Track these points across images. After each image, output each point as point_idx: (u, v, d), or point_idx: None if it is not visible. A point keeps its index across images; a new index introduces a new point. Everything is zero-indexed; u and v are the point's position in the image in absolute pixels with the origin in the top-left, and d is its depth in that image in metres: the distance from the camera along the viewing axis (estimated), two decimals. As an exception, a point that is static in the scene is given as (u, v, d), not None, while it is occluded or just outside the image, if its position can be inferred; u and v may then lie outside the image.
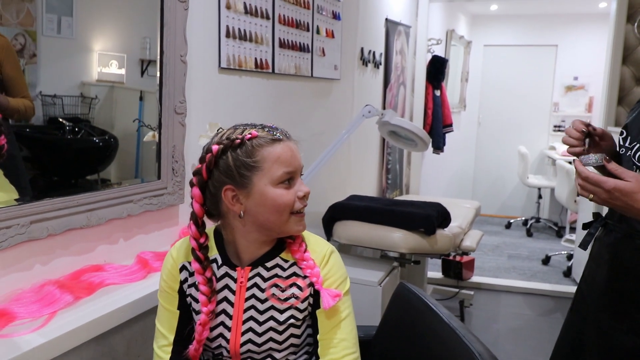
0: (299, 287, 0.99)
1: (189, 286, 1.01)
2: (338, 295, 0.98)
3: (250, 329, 0.98)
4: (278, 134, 0.97)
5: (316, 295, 1.00)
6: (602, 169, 1.04)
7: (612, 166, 0.98)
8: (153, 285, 1.24)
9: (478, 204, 3.25)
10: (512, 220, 5.65)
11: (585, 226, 1.17)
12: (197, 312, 0.99)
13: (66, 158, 1.38)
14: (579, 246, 1.19)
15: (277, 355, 0.99)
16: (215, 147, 0.95)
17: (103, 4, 1.37)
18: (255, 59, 1.84)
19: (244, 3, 1.74)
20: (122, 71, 1.42)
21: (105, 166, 1.44)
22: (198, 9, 1.54)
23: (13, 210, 1.06)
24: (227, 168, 0.95)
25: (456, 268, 3.71)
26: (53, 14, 1.28)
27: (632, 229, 1.08)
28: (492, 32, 6.13)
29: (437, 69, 4.00)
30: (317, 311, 1.00)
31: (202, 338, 0.98)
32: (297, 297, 0.98)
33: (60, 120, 1.34)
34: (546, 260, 4.37)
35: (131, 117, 1.48)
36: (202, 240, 0.98)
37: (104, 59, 1.38)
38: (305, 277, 0.99)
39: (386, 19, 3.13)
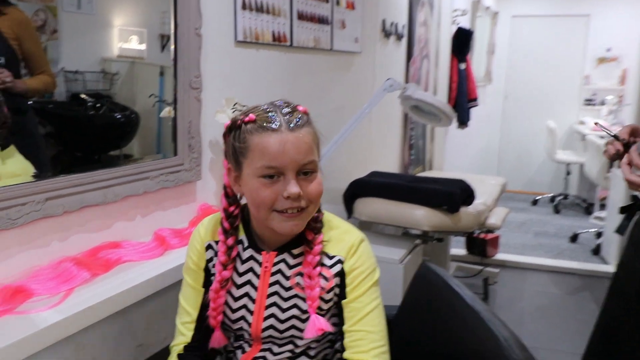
0: (325, 278, 0.95)
1: (214, 265, 0.99)
2: (323, 329, 0.93)
3: (273, 315, 0.95)
4: (276, 122, 0.88)
5: (342, 285, 0.96)
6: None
7: None
8: (171, 262, 1.23)
9: (504, 180, 3.17)
10: (538, 197, 5.51)
11: (623, 210, 1.10)
12: None
13: (88, 134, 1.37)
14: (616, 231, 1.13)
15: (299, 342, 0.97)
16: (226, 124, 0.93)
17: None
18: (273, 31, 1.78)
19: (261, -27, 1.68)
20: (143, 46, 1.40)
21: (127, 142, 1.44)
22: (212, -21, 1.49)
23: (28, 187, 1.05)
24: (228, 148, 0.93)
25: (480, 245, 3.65)
26: None
27: None
28: (520, 2, 5.89)
29: (462, 41, 3.87)
30: (343, 302, 0.96)
31: (216, 305, 0.96)
32: (322, 288, 0.94)
33: (82, 96, 1.34)
34: (574, 238, 4.26)
35: (152, 93, 1.46)
36: (231, 209, 0.96)
37: (124, 35, 1.37)
38: (331, 266, 0.96)
39: (409, -11, 3.01)
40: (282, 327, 0.95)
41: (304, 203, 0.89)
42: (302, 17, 1.94)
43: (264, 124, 0.88)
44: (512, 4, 5.88)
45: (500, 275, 3.46)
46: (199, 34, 1.42)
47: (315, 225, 0.96)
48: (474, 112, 4.19)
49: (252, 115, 0.89)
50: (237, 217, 0.97)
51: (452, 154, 4.44)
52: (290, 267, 0.96)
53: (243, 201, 1.01)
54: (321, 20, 2.08)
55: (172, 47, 1.38)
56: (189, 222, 1.46)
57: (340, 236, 0.97)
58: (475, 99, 4.10)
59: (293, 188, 0.87)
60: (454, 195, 1.95)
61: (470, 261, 3.52)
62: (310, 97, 2.12)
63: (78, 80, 1.32)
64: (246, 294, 0.97)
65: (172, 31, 1.37)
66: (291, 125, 0.88)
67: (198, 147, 1.47)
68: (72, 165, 1.22)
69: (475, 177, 3.21)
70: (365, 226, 2.34)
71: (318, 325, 0.92)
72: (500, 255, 3.72)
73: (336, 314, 0.98)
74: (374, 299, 0.96)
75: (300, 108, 0.93)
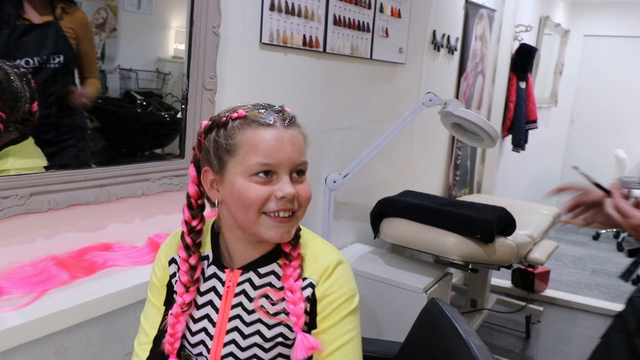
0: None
1: (177, 281, 0.91)
2: (315, 347, 0.82)
3: (234, 341, 0.85)
4: (270, 118, 0.81)
5: (313, 312, 0.85)
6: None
7: None
8: (160, 271, 1.16)
9: (558, 210, 2.90)
10: (601, 231, 5.09)
11: (631, 253, 0.97)
12: None
13: (134, 131, 1.38)
14: (620, 277, 1.00)
15: None
16: (203, 124, 0.84)
17: None
18: (304, 35, 1.69)
19: (294, -26, 1.60)
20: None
21: (170, 141, 1.42)
22: (238, -22, 1.43)
23: (11, 180, 1.01)
24: (207, 148, 0.83)
25: (527, 279, 3.38)
26: None
27: None
28: (594, 21, 5.51)
29: (524, 58, 3.63)
30: (313, 332, 0.85)
31: (174, 331, 0.87)
32: (287, 314, 0.84)
33: (133, 93, 1.35)
34: (637, 280, 3.86)
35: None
36: (194, 223, 0.87)
37: (180, 36, 1.36)
38: (302, 289, 0.84)
39: (466, 1, 2.84)
40: (242, 355, 0.85)
41: (296, 206, 0.82)
42: (338, 22, 1.84)
43: (258, 119, 0.81)
44: (585, 23, 5.51)
45: (547, 313, 3.18)
46: (217, 33, 1.35)
47: (292, 240, 0.86)
48: (535, 135, 3.92)
49: (241, 111, 0.82)
50: (200, 232, 0.88)
51: (505, 178, 4.17)
52: (256, 287, 0.86)
53: (208, 213, 0.92)
54: (361, 27, 1.97)
55: (184, 44, 1.31)
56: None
57: (315, 256, 0.87)
58: (534, 121, 3.83)
59: (288, 188, 0.80)
60: (489, 223, 1.77)
61: (514, 295, 3.26)
62: (345, 107, 2.01)
63: (132, 78, 1.34)
64: (206, 316, 0.88)
65: (187, 28, 1.30)
66: (285, 122, 0.82)
67: (208, 151, 1.39)
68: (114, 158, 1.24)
69: (526, 204, 2.97)
70: (396, 250, 2.19)
71: (307, 344, 0.81)
72: (549, 292, 3.43)
73: None
74: (349, 330, 0.84)
75: (288, 109, 0.85)
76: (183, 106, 1.34)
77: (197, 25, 1.31)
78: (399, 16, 2.21)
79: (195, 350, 0.89)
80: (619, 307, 3.30)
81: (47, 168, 1.09)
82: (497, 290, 3.35)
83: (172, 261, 0.91)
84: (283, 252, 0.86)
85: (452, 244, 1.80)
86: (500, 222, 1.84)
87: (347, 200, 2.14)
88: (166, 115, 1.43)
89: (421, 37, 2.49)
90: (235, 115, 0.81)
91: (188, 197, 0.88)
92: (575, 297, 3.44)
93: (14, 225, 1.05)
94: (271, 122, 0.80)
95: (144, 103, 1.39)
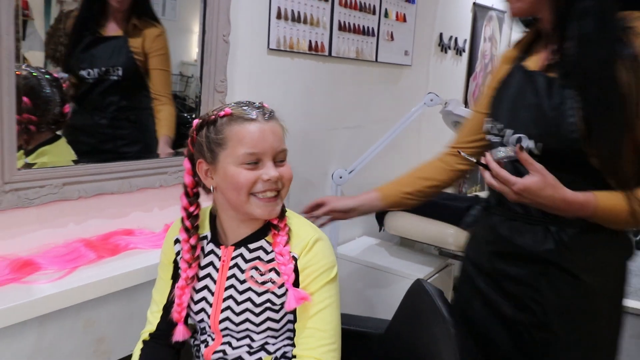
0: (277, 273, 0.98)
1: (181, 259, 1.05)
2: (305, 298, 0.94)
3: (229, 308, 0.99)
4: (253, 114, 0.94)
5: (296, 282, 0.97)
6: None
7: (524, 156, 0.94)
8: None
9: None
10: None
11: (467, 208, 1.11)
12: None
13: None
14: (462, 226, 1.30)
15: (255, 336, 0.99)
16: (195, 122, 0.98)
17: None
18: (310, 41, 1.83)
19: (299, -16, 1.74)
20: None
21: None
22: (247, -11, 1.57)
23: (47, 171, 1.17)
24: (200, 143, 0.96)
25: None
26: None
27: (512, 212, 1.09)
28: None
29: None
30: None
31: (181, 301, 1.00)
32: (273, 282, 0.97)
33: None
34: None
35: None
36: (191, 209, 1.00)
37: (199, 34, 1.45)
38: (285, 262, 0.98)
39: (474, 4, 2.93)
40: (237, 319, 0.98)
41: (280, 185, 0.96)
42: (343, 28, 1.96)
43: (242, 116, 0.94)
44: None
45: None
46: (227, 41, 1.50)
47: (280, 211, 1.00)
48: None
49: (227, 110, 0.95)
50: (197, 217, 1.02)
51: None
52: (247, 261, 0.99)
53: (205, 202, 1.06)
54: (365, 32, 2.09)
55: (197, 50, 1.46)
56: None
57: (297, 232, 1.00)
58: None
59: (272, 171, 0.94)
60: (485, 216, 1.86)
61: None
62: (351, 107, 2.13)
63: None
64: (206, 287, 1.02)
65: (199, 36, 1.45)
66: (266, 116, 0.95)
67: (219, 147, 1.54)
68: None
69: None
70: (406, 243, 2.30)
71: (298, 295, 0.94)
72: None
73: (292, 312, 0.99)
74: (327, 297, 0.96)
75: (266, 105, 0.99)
76: (197, 107, 1.48)
77: (208, 34, 1.45)
78: (404, 20, 2.32)
79: (198, 317, 1.02)
80: (637, 304, 3.28)
81: (75, 162, 1.25)
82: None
83: (177, 241, 1.05)
84: (272, 224, 0.99)
85: (450, 235, 1.90)
86: (497, 214, 1.93)
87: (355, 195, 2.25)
88: (188, 116, 1.54)
89: (427, 40, 2.60)
90: (222, 113, 0.94)
91: (185, 186, 1.01)
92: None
93: (49, 211, 1.21)
94: (254, 117, 0.93)
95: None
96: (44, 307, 1.06)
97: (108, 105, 1.31)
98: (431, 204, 2.01)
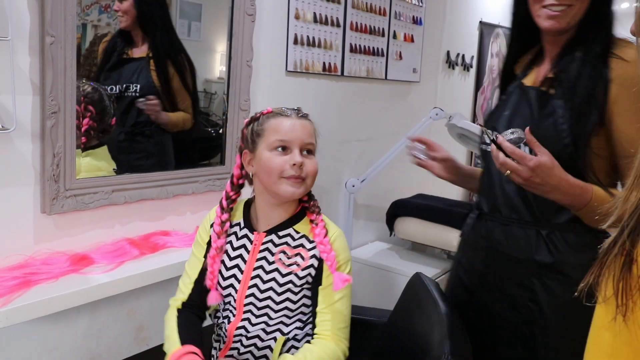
0: (302, 257, 1.16)
1: (212, 232, 1.21)
2: (347, 280, 1.12)
3: (255, 285, 1.16)
4: (288, 112, 1.14)
5: (318, 272, 1.15)
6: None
7: (531, 138, 1.03)
8: (206, 252, 1.50)
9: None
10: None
11: (464, 216, 1.32)
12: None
13: (185, 145, 1.65)
14: (460, 236, 1.38)
15: (272, 314, 1.16)
16: (245, 121, 1.20)
17: (226, 12, 1.63)
18: (324, 62, 2.02)
19: (314, 13, 1.94)
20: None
21: (216, 153, 1.70)
22: (267, 19, 1.78)
23: (99, 180, 1.38)
24: (246, 136, 1.17)
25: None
26: (185, 19, 1.55)
27: (506, 219, 1.21)
28: (624, 31, 5.56)
29: (544, 71, 3.82)
30: (320, 287, 1.16)
31: (212, 269, 1.17)
32: (298, 265, 1.15)
33: None
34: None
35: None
36: (231, 193, 1.20)
37: (224, 59, 1.64)
38: (310, 249, 1.16)
39: (480, 22, 3.11)
40: (261, 296, 1.15)
41: (304, 174, 1.13)
42: (354, 50, 2.15)
43: (280, 112, 1.15)
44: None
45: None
46: (250, 65, 1.70)
47: (315, 209, 1.19)
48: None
49: (269, 109, 1.17)
50: (234, 201, 1.22)
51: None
52: (276, 245, 1.17)
53: (243, 196, 1.23)
54: (375, 52, 2.28)
55: (226, 76, 1.67)
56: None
57: (327, 226, 1.19)
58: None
59: (297, 157, 1.12)
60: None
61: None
62: (362, 122, 2.32)
63: None
64: (236, 266, 1.19)
65: (226, 63, 1.66)
66: (299, 114, 1.16)
67: (243, 159, 1.74)
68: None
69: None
70: (418, 248, 2.46)
71: (342, 278, 1.12)
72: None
73: (308, 296, 1.17)
74: (344, 288, 1.14)
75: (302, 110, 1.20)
76: (223, 124, 1.69)
77: (234, 60, 1.66)
78: (412, 41, 2.51)
79: (226, 292, 1.19)
80: None
81: (116, 172, 1.44)
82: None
83: (212, 225, 1.22)
84: (310, 220, 1.18)
85: (455, 238, 2.06)
86: (498, 219, 2.08)
87: (367, 203, 2.43)
88: (212, 131, 1.72)
89: (435, 57, 2.78)
90: (265, 111, 1.16)
91: (232, 176, 1.22)
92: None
93: (100, 214, 1.41)
94: (289, 114, 1.14)
95: (194, 121, 1.64)
96: (97, 293, 1.26)
97: (127, 120, 1.46)
98: (436, 209, 2.18)
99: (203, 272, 1.21)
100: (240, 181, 1.22)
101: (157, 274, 1.38)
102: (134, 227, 1.51)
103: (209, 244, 1.22)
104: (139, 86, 1.46)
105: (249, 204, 1.24)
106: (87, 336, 1.37)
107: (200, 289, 1.20)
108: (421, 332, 1.25)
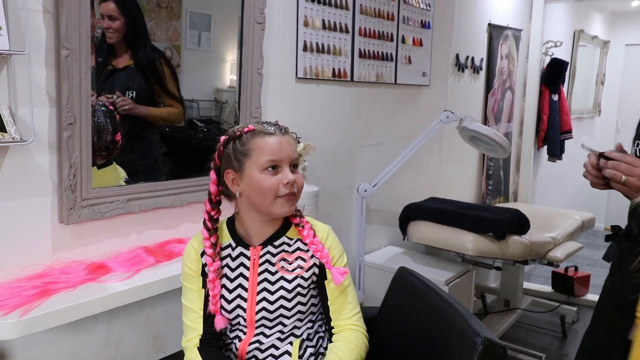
0: (303, 259, 1.17)
1: (205, 256, 1.19)
2: (345, 272, 1.15)
3: (264, 299, 1.16)
4: (271, 129, 1.14)
5: (321, 269, 1.17)
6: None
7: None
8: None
9: (591, 215, 3.05)
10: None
11: (608, 238, 1.17)
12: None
13: (196, 155, 1.65)
14: (603, 258, 1.20)
15: (286, 321, 1.16)
16: (222, 138, 1.17)
17: (235, 21, 1.65)
18: (333, 68, 2.04)
19: (323, 20, 1.95)
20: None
21: None
22: (277, 27, 1.79)
23: (115, 190, 1.40)
24: (228, 155, 1.15)
25: (566, 282, 3.49)
26: (195, 30, 1.57)
27: None
28: (635, 29, 5.52)
29: (555, 72, 3.80)
30: (326, 282, 1.18)
31: (214, 293, 1.16)
32: (302, 267, 1.16)
33: (195, 121, 1.64)
34: None
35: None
36: (213, 213, 1.19)
37: (234, 68, 1.66)
38: (307, 250, 1.18)
39: (489, 24, 3.10)
40: (272, 307, 1.15)
41: (296, 189, 1.15)
42: (363, 55, 2.17)
43: (263, 130, 1.14)
44: (627, 32, 5.53)
45: (587, 316, 3.28)
46: (260, 73, 1.72)
47: (296, 212, 1.20)
48: (578, 145, 4.04)
49: (251, 126, 1.15)
50: (217, 220, 1.20)
51: (545, 187, 4.30)
52: (274, 255, 1.18)
53: (227, 212, 1.22)
54: (384, 57, 2.28)
55: (237, 84, 1.68)
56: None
57: (314, 226, 1.21)
58: (569, 131, 3.96)
59: (290, 176, 1.13)
60: (500, 222, 2.01)
61: (552, 298, 3.39)
62: (373, 126, 2.33)
63: (194, 107, 1.61)
64: (239, 285, 1.18)
65: (237, 71, 1.68)
66: (282, 131, 1.16)
67: (255, 166, 1.75)
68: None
69: (562, 211, 3.12)
70: (432, 252, 2.45)
71: (340, 271, 1.16)
72: (591, 296, 3.52)
73: (315, 295, 1.18)
74: (347, 276, 1.18)
75: (281, 123, 1.20)
76: (235, 131, 1.70)
77: (245, 68, 1.68)
78: (421, 44, 2.51)
79: (233, 314, 1.17)
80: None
81: (127, 182, 1.42)
82: (537, 294, 3.48)
83: (203, 254, 1.20)
84: (295, 224, 1.19)
85: (468, 241, 2.05)
86: (512, 222, 2.07)
87: (380, 208, 2.43)
88: None
89: (444, 61, 2.78)
90: (246, 129, 1.14)
91: (209, 194, 1.20)
92: (616, 301, 3.50)
93: (116, 222, 1.43)
94: (272, 131, 1.14)
95: (205, 129, 1.66)
96: (115, 301, 1.27)
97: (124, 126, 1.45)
98: (449, 212, 2.17)
99: (207, 303, 1.19)
100: (218, 198, 1.21)
101: (173, 282, 1.39)
102: (149, 235, 1.52)
103: (204, 274, 1.19)
104: (135, 92, 1.46)
105: (231, 222, 1.24)
106: (105, 344, 1.38)
107: (210, 319, 1.18)
108: (426, 322, 1.23)
